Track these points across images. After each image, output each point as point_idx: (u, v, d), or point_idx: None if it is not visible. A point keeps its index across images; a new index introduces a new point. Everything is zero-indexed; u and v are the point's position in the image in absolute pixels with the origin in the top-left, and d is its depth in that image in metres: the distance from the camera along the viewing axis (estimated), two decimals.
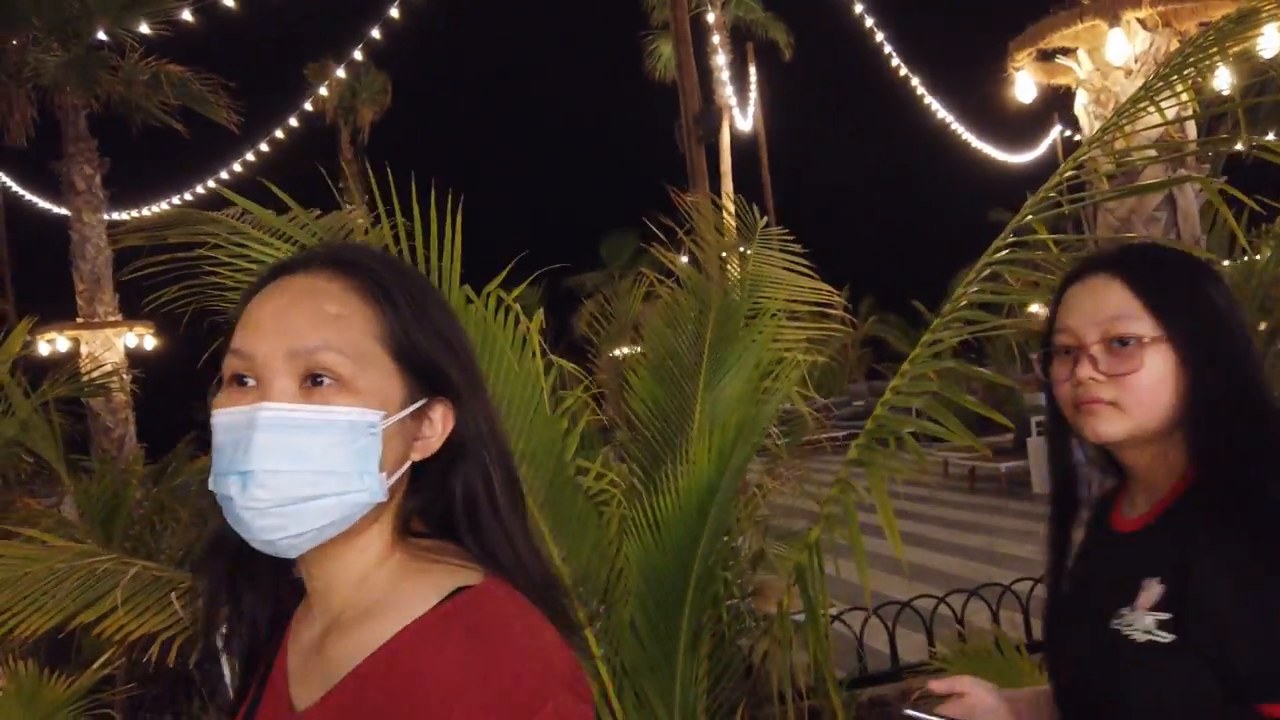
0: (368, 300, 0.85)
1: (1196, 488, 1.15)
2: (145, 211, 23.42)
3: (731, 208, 4.01)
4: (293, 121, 21.48)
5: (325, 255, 0.88)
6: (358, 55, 19.49)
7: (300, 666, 0.89)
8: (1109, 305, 1.18)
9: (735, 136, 19.09)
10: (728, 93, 18.42)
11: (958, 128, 20.94)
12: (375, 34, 17.66)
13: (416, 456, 0.88)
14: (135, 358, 11.21)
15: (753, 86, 20.55)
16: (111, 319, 10.76)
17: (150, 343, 11.36)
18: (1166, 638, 1.08)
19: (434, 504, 0.89)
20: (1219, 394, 1.15)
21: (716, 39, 17.76)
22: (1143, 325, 1.16)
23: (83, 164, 10.60)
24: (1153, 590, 1.11)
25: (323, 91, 21.52)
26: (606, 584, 2.67)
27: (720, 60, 18.12)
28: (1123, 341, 1.16)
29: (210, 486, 0.84)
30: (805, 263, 3.77)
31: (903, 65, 18.50)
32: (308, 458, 0.80)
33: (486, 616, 0.80)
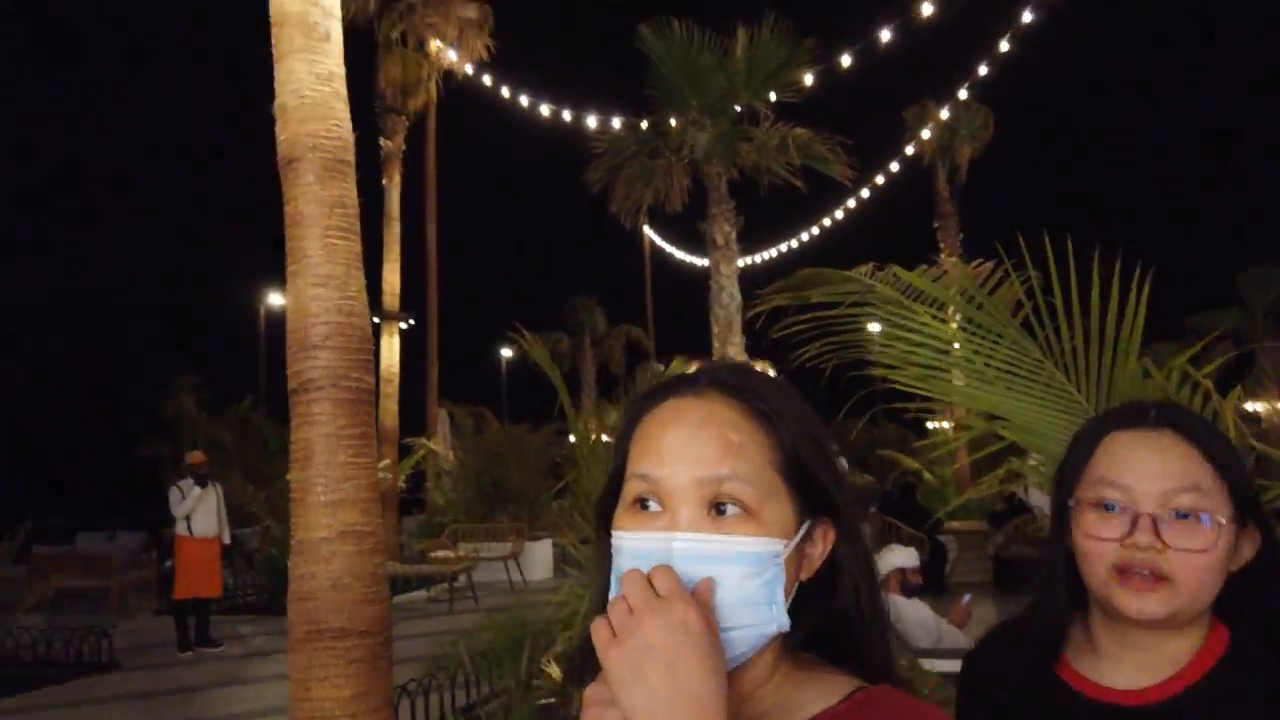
0: (762, 426, 0.87)
1: (1234, 657, 1.13)
2: (762, 258, 26.03)
3: None
4: (893, 166, 22.11)
5: (712, 378, 0.91)
6: (963, 94, 19.40)
7: None
8: (1178, 470, 1.12)
9: None
10: None
11: None
12: (982, 70, 17.41)
13: (803, 576, 0.89)
14: None
15: None
16: (740, 359, 12.16)
17: None
18: None
19: (821, 626, 0.90)
20: (1265, 565, 1.14)
21: None
22: (1217, 502, 1.11)
23: (722, 223, 12.21)
24: None
25: (925, 134, 21.84)
26: None
27: None
28: (1186, 515, 1.10)
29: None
30: None
31: None
32: (722, 589, 0.81)
33: (904, 710, 0.82)
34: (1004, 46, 16.33)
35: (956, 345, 3.08)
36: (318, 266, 4.19)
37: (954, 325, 3.18)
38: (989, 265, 3.24)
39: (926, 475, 16.45)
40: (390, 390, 16.12)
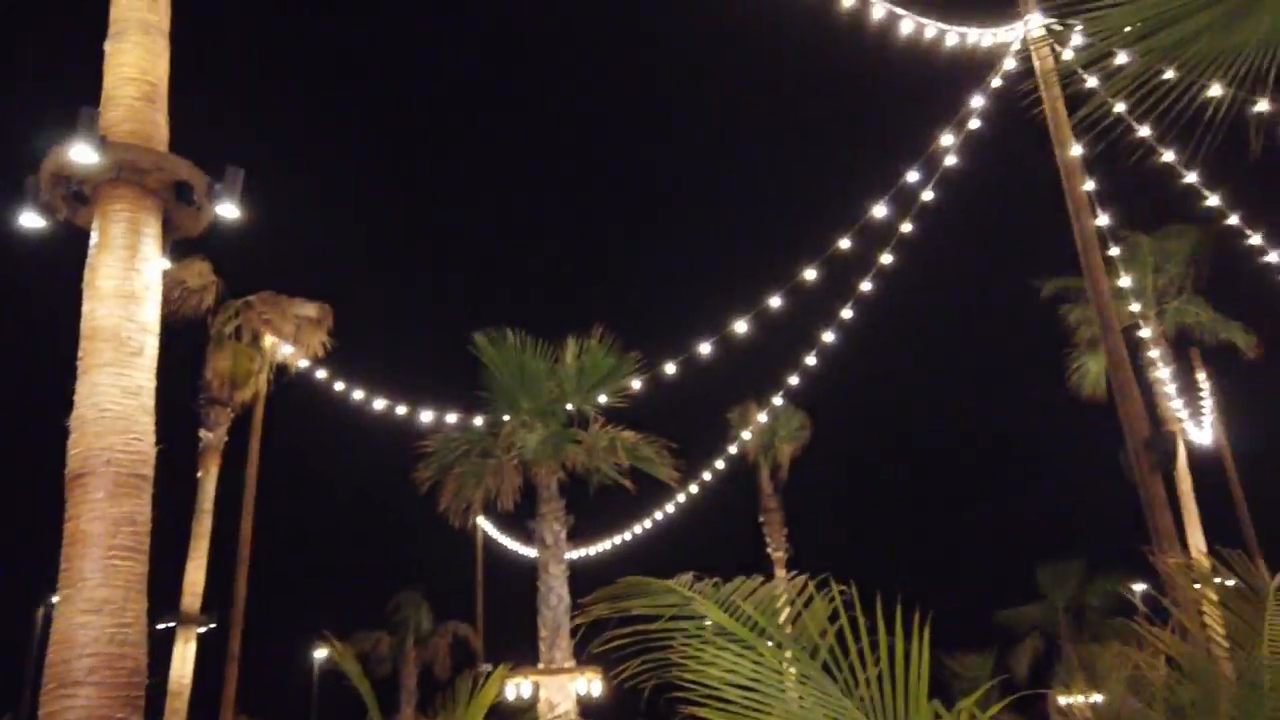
0: None
1: None
2: (591, 551, 25.88)
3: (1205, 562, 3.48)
4: (718, 464, 23.08)
5: None
6: (778, 400, 20.85)
7: None
8: None
9: (1193, 453, 17.00)
10: (1175, 407, 16.68)
11: None
12: (794, 380, 18.86)
13: None
14: (585, 703, 11.89)
15: (1205, 396, 18.42)
16: (567, 665, 11.66)
17: (598, 688, 12.03)
18: None
19: None
20: None
21: (1156, 353, 16.46)
22: None
23: (552, 522, 12.19)
24: None
25: (745, 435, 23.08)
26: None
27: (1162, 374, 16.65)
28: None
29: None
30: None
31: None
32: None
33: None
34: (810, 360, 17.88)
35: (776, 678, 3.08)
36: (93, 590, 3.83)
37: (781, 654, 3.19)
38: (801, 580, 3.33)
39: None
40: (179, 705, 14.37)
